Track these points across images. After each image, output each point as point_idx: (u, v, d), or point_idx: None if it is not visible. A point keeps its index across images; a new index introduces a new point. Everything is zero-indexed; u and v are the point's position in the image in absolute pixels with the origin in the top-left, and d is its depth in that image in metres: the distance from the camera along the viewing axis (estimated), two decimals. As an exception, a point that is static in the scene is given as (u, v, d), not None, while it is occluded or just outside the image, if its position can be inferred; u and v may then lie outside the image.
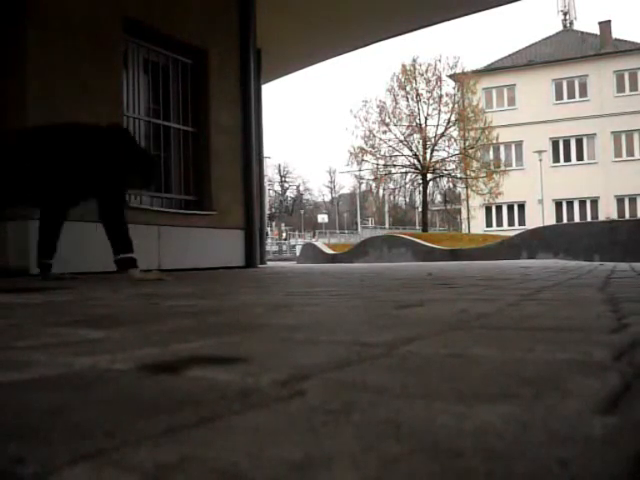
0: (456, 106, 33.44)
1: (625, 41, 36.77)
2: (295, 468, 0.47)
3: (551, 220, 32.66)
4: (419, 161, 33.44)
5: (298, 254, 27.04)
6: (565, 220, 33.80)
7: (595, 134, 35.52)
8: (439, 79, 33.66)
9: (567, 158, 36.51)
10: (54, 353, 1.08)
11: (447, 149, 34.26)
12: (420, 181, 34.00)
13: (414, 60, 33.66)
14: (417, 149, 33.61)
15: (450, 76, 34.06)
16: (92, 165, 4.26)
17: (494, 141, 33.44)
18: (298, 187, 69.52)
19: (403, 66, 33.82)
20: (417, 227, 45.79)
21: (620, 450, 0.51)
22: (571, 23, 43.71)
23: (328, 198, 74.02)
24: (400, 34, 13.25)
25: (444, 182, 35.71)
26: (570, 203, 35.91)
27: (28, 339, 1.30)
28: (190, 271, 6.80)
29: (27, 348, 1.16)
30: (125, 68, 7.21)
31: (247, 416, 0.63)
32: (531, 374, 0.81)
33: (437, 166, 33.85)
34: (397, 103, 33.87)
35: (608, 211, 33.40)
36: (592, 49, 36.65)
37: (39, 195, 4.42)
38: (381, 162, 34.51)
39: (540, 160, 33.44)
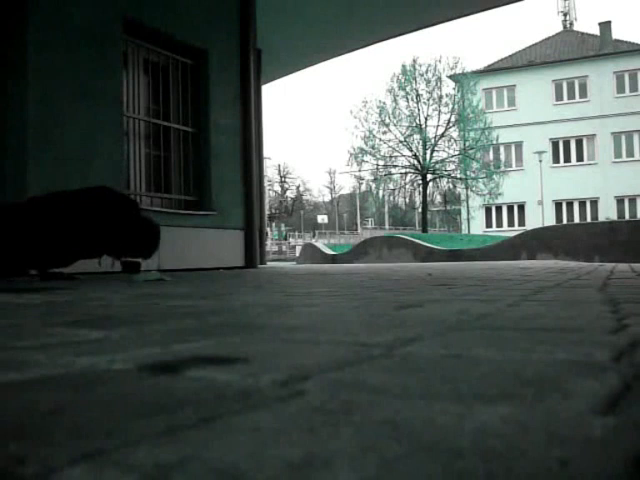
0: (456, 107, 33.46)
1: (625, 42, 36.78)
2: (295, 468, 0.47)
3: (551, 221, 32.67)
4: (419, 162, 33.45)
5: (298, 254, 27.06)
6: (565, 221, 33.79)
7: (595, 135, 35.52)
8: (439, 80, 33.71)
9: (567, 159, 36.51)
10: (54, 353, 1.07)
11: (447, 150, 34.30)
12: (420, 182, 34.01)
13: (414, 60, 33.70)
14: (417, 150, 33.63)
15: (450, 77, 34.07)
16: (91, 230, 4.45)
17: (494, 142, 33.45)
18: (298, 187, 69.50)
19: (403, 66, 33.85)
20: (417, 228, 45.79)
21: (620, 450, 0.51)
22: (571, 24, 43.76)
23: (328, 198, 74.02)
24: (400, 35, 13.26)
25: (444, 183, 35.72)
26: (570, 204, 35.91)
27: (28, 339, 1.30)
28: (190, 271, 6.80)
29: (27, 348, 1.16)
30: (125, 68, 7.21)
31: (247, 416, 0.63)
32: (531, 375, 0.81)
33: (437, 167, 33.85)
34: (397, 104, 33.90)
35: (607, 213, 33.39)
36: (592, 50, 36.66)
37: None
38: (381, 162, 34.53)
39: (540, 161, 33.44)
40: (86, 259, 4.67)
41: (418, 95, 33.68)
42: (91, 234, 4.47)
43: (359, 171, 36.39)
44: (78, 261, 4.69)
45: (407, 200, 42.46)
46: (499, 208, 36.73)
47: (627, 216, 33.07)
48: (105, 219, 4.53)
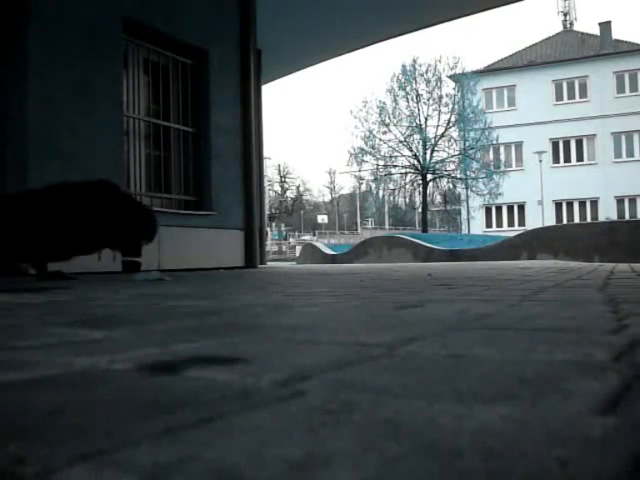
0: (456, 107, 33.45)
1: (625, 42, 36.77)
2: (295, 468, 0.47)
3: (551, 221, 32.65)
4: (419, 162, 33.44)
5: (298, 254, 27.07)
6: (565, 221, 33.77)
7: (595, 135, 35.51)
8: (439, 80, 33.68)
9: (567, 159, 36.50)
10: (54, 353, 1.08)
11: (447, 150, 34.28)
12: (420, 182, 34.00)
13: (414, 61, 33.69)
14: (417, 150, 33.61)
15: (450, 76, 34.06)
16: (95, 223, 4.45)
17: (494, 142, 33.44)
18: (298, 187, 69.43)
19: (403, 67, 33.84)
20: (417, 228, 45.76)
21: (619, 450, 0.51)
22: (571, 24, 43.72)
23: (328, 198, 73.97)
24: (400, 34, 13.26)
25: (444, 183, 35.69)
26: (570, 204, 35.90)
27: (28, 339, 1.30)
28: (190, 271, 6.80)
29: (27, 348, 1.16)
30: (125, 68, 7.21)
31: (247, 416, 0.63)
32: (531, 375, 0.81)
33: (437, 167, 33.85)
34: (397, 104, 33.88)
35: (607, 213, 33.39)
36: (592, 50, 36.64)
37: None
38: (381, 162, 34.51)
39: (540, 161, 33.43)
40: (86, 253, 4.65)
41: (418, 95, 33.66)
42: (91, 226, 4.45)
43: (359, 171, 36.39)
44: (78, 256, 4.66)
45: (407, 200, 42.40)
46: (499, 208, 36.71)
47: (627, 216, 33.05)
48: (105, 211, 4.52)
